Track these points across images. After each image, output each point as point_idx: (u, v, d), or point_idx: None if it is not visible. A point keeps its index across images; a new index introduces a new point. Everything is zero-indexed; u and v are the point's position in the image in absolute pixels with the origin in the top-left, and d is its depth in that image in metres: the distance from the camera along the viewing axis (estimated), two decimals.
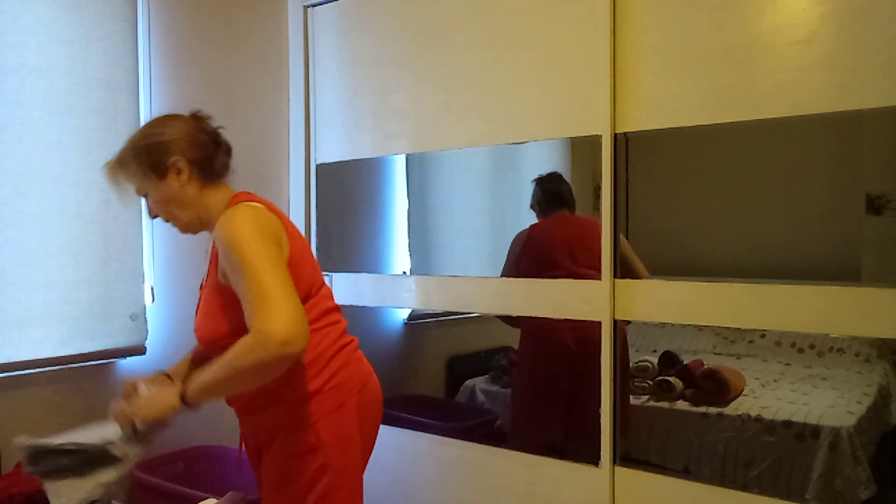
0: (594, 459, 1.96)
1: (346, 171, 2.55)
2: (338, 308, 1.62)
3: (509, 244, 2.21)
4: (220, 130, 1.59)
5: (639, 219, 1.92)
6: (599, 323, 1.93)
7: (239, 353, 1.33)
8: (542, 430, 2.19)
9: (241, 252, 1.37)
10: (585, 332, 1.99)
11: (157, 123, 1.56)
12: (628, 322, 1.93)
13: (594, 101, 1.94)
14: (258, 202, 1.53)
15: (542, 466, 2.06)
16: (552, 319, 2.05)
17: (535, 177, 2.19)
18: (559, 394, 2.16)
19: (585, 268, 2.01)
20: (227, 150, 1.59)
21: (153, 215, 1.58)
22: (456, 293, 2.23)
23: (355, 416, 1.54)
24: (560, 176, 2.14)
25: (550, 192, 2.18)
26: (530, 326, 2.20)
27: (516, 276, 2.15)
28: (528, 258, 2.18)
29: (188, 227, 1.58)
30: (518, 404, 2.29)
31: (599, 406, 1.94)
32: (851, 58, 1.61)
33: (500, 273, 2.20)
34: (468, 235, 2.32)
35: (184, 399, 1.41)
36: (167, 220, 1.57)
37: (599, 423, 1.94)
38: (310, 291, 1.52)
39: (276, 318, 1.30)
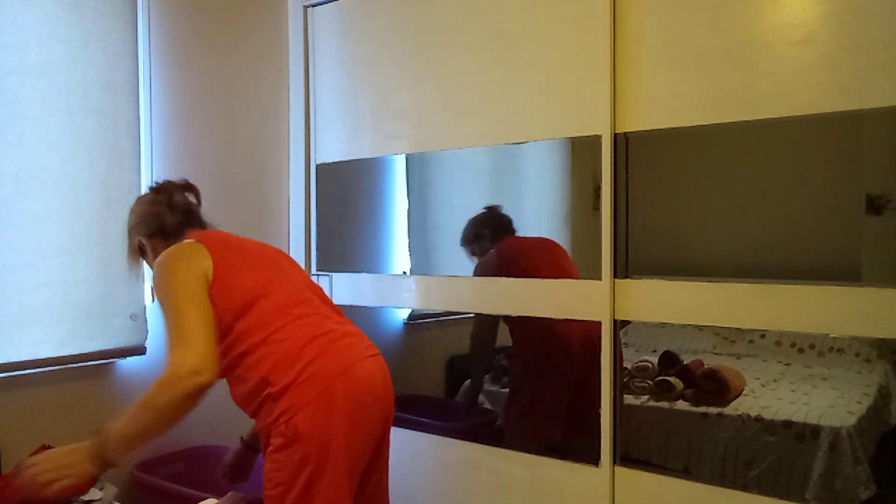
0: (594, 459, 1.96)
1: (346, 171, 2.55)
2: (310, 300, 1.66)
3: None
4: (178, 190, 1.81)
5: (639, 219, 1.92)
6: (600, 323, 1.93)
7: (154, 392, 1.42)
8: (540, 431, 2.19)
9: (161, 290, 1.56)
10: (582, 331, 2.00)
11: (129, 212, 1.82)
12: (627, 322, 1.93)
13: (594, 101, 1.94)
14: (187, 238, 1.70)
15: (542, 466, 2.06)
16: (546, 319, 2.06)
17: (474, 216, 2.26)
18: (555, 394, 2.16)
19: (563, 271, 2.06)
20: (183, 208, 1.79)
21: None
22: (456, 293, 2.23)
23: (336, 403, 1.52)
24: (498, 207, 2.23)
25: (500, 220, 2.23)
26: (523, 327, 2.21)
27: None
28: (509, 269, 2.19)
29: None
30: (515, 405, 2.29)
31: (599, 406, 1.94)
32: (851, 58, 1.61)
33: None
34: (468, 235, 2.31)
35: (102, 457, 1.46)
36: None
37: (598, 423, 1.94)
38: (258, 293, 1.60)
39: (183, 352, 1.43)
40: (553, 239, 2.12)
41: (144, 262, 1.84)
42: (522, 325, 2.21)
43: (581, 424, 2.06)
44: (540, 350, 2.22)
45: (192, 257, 1.60)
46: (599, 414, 1.94)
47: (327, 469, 1.50)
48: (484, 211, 2.27)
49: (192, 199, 1.83)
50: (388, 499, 1.75)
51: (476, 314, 2.28)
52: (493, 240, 2.25)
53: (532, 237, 2.18)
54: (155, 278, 1.60)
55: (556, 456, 2.04)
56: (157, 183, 1.82)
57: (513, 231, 2.21)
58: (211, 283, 1.57)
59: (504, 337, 2.28)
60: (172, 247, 1.65)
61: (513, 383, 2.30)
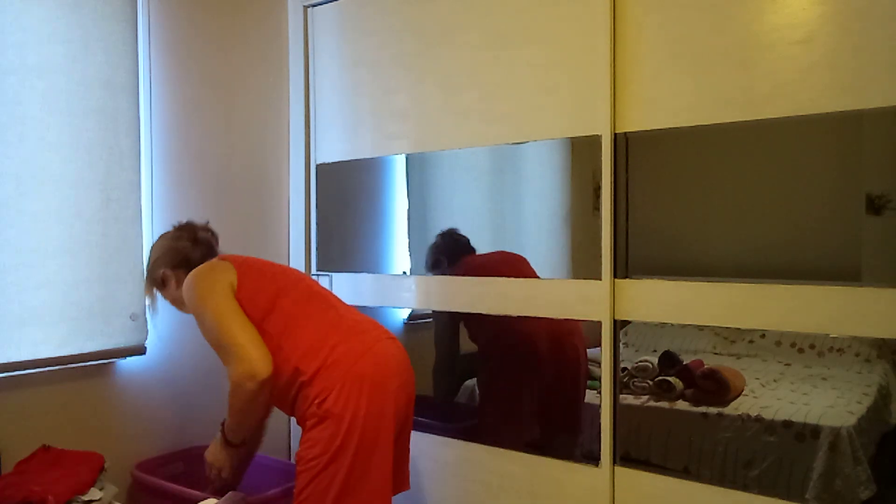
0: (594, 459, 1.96)
1: (346, 171, 2.55)
2: (324, 296, 1.85)
3: (506, 244, 2.23)
4: (201, 229, 2.00)
5: (639, 219, 1.92)
6: (600, 323, 1.93)
7: (231, 399, 1.70)
8: (513, 429, 2.22)
9: (196, 309, 1.77)
10: (550, 328, 2.09)
11: (152, 248, 2.00)
12: (627, 322, 1.93)
13: (594, 101, 1.94)
14: (206, 262, 1.88)
15: (542, 466, 2.06)
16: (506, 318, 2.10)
17: (432, 244, 2.33)
18: (524, 391, 2.19)
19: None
20: (205, 242, 1.98)
21: (183, 311, 1.96)
22: (456, 293, 2.23)
23: (363, 380, 1.68)
24: (454, 230, 2.29)
25: (455, 244, 2.29)
26: (483, 327, 2.26)
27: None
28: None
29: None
30: (486, 404, 2.33)
31: (576, 402, 1.94)
32: (851, 58, 1.61)
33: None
34: (468, 235, 2.32)
35: (229, 442, 1.82)
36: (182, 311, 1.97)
37: (578, 420, 1.94)
38: (278, 293, 1.79)
39: (236, 362, 1.66)
40: (515, 251, 2.18)
41: (161, 294, 1.99)
42: (482, 325, 2.23)
43: (560, 421, 2.09)
44: (497, 348, 2.24)
45: (218, 271, 1.81)
46: (578, 410, 1.95)
47: (358, 441, 1.65)
48: (438, 238, 2.32)
49: (211, 237, 2.01)
50: (408, 458, 1.91)
51: (434, 315, 2.33)
52: (450, 264, 2.30)
53: (490, 252, 2.23)
54: (188, 296, 1.80)
55: (556, 456, 2.05)
56: (179, 222, 2.01)
57: (471, 250, 2.26)
58: (236, 291, 1.77)
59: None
60: (197, 268, 1.85)
61: (480, 383, 2.32)
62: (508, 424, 2.21)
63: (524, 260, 2.15)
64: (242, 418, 1.74)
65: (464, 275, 2.24)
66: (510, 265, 2.16)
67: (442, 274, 2.30)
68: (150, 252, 2.00)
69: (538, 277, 2.10)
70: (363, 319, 1.84)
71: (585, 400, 2.08)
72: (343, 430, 1.63)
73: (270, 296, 1.79)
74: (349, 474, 1.63)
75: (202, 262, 1.90)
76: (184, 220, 2.02)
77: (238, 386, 1.66)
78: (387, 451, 1.71)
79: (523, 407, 2.20)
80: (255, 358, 1.66)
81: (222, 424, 1.82)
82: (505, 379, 2.24)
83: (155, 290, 1.99)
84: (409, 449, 1.90)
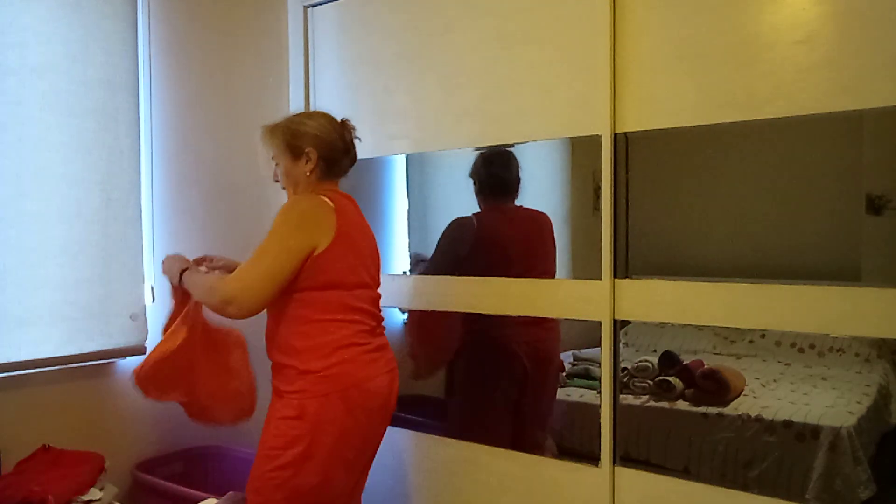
0: (594, 459, 1.96)
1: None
2: (369, 311, 1.79)
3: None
4: (356, 141, 1.87)
5: (639, 219, 1.92)
6: (599, 323, 1.93)
7: (203, 282, 1.74)
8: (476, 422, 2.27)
9: (273, 227, 1.69)
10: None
11: (310, 116, 1.85)
12: (627, 322, 1.94)
13: (594, 101, 1.94)
14: (330, 197, 1.75)
15: (542, 466, 2.06)
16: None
17: (482, 152, 2.20)
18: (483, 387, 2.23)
19: (540, 268, 2.10)
20: (353, 160, 1.87)
21: (275, 179, 1.86)
22: (456, 293, 2.22)
23: (346, 406, 1.68)
24: (510, 156, 2.16)
25: (498, 180, 2.22)
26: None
27: (453, 267, 2.23)
28: (477, 253, 2.22)
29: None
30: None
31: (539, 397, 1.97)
32: (851, 58, 1.61)
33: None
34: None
35: (181, 279, 1.80)
36: (283, 188, 1.86)
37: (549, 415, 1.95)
38: (336, 283, 1.72)
39: (239, 283, 1.64)
40: (551, 238, 2.14)
41: (274, 158, 1.82)
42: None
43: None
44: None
45: (319, 221, 1.70)
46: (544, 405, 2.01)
47: (318, 455, 1.65)
48: (487, 156, 2.22)
49: (349, 165, 1.87)
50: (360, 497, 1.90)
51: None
52: (485, 201, 2.25)
53: (519, 207, 2.20)
54: (285, 209, 1.71)
55: (556, 456, 2.05)
56: (345, 122, 1.85)
57: (510, 193, 2.19)
58: (316, 256, 1.68)
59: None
60: (313, 198, 1.73)
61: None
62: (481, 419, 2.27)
63: (548, 219, 2.13)
64: (200, 297, 1.76)
65: (499, 220, 2.23)
66: (538, 224, 2.15)
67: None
68: (305, 117, 1.83)
69: (553, 242, 2.10)
70: (379, 346, 1.80)
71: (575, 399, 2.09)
72: (307, 437, 1.65)
73: (335, 281, 1.72)
74: (306, 481, 1.66)
75: (328, 177, 1.81)
76: (347, 119, 1.86)
77: (217, 292, 1.65)
78: (351, 472, 1.74)
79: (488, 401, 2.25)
80: (251, 303, 1.63)
81: (189, 267, 1.81)
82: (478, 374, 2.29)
83: (276, 148, 1.81)
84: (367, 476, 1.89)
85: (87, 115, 2.08)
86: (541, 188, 2.16)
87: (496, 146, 2.17)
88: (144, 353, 2.22)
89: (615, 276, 1.92)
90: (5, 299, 1.91)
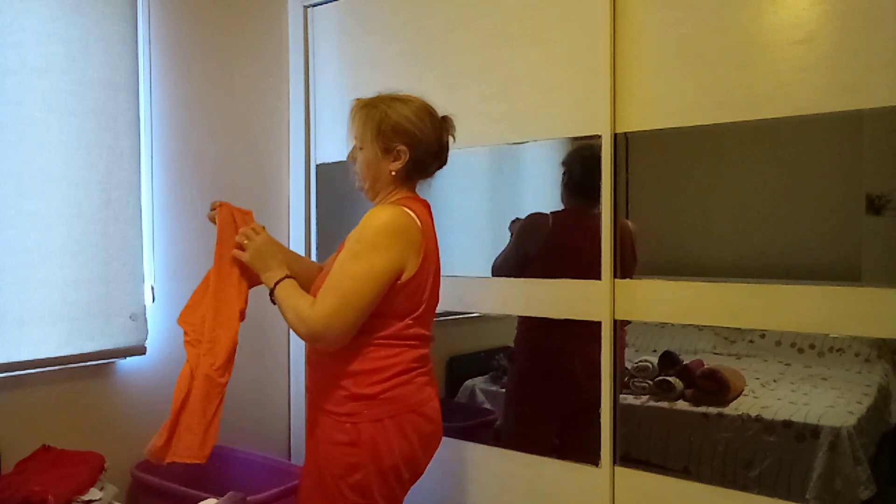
0: (594, 459, 1.96)
1: (346, 171, 2.54)
2: (424, 336, 1.65)
3: (506, 243, 2.21)
4: (448, 131, 1.68)
5: (639, 219, 1.92)
6: (600, 323, 1.93)
7: (295, 307, 1.56)
8: (540, 431, 2.20)
9: (359, 246, 1.53)
10: (577, 332, 2.01)
11: (409, 104, 1.63)
12: (627, 322, 1.93)
13: (594, 101, 1.94)
14: (414, 210, 1.60)
15: (542, 466, 2.06)
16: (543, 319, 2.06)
17: (573, 149, 2.04)
18: (554, 393, 2.16)
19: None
20: (442, 164, 1.70)
21: (351, 158, 1.70)
22: (456, 293, 2.22)
23: (403, 431, 1.58)
24: (598, 159, 1.96)
25: (583, 183, 2.04)
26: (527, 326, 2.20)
27: (520, 263, 2.15)
28: (548, 253, 2.13)
29: (362, 190, 1.71)
30: (513, 404, 2.30)
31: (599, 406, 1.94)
32: (851, 58, 1.61)
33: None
34: (468, 235, 2.32)
35: (275, 280, 1.62)
36: (355, 172, 1.69)
37: (599, 424, 1.94)
38: (411, 314, 1.60)
39: (328, 316, 1.50)
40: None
41: (364, 153, 1.64)
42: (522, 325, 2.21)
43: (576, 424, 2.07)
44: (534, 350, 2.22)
45: (408, 243, 1.55)
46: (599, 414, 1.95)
47: (378, 480, 1.56)
48: (581, 157, 2.05)
49: (437, 170, 1.71)
50: None
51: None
52: (568, 202, 2.10)
53: (594, 216, 2.01)
54: (368, 224, 1.54)
55: (555, 456, 2.05)
56: (447, 119, 1.67)
57: (590, 198, 2.01)
58: (402, 283, 1.55)
59: (504, 337, 2.28)
60: (402, 217, 1.56)
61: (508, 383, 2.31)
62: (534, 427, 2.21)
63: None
64: (285, 316, 1.59)
65: (576, 222, 2.10)
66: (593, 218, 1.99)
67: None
68: (406, 107, 1.61)
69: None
70: (429, 370, 1.69)
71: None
72: (363, 464, 1.55)
73: (413, 309, 1.60)
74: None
75: (412, 178, 1.66)
76: (449, 117, 1.66)
77: (304, 325, 1.52)
78: (399, 497, 1.66)
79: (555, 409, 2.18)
80: (338, 341, 1.52)
81: (280, 282, 1.61)
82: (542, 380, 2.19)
83: (366, 133, 1.62)
84: None
85: (87, 115, 2.08)
86: (541, 188, 2.16)
87: (496, 146, 2.17)
88: (144, 353, 2.22)
89: (615, 276, 1.92)
90: (5, 299, 1.91)
